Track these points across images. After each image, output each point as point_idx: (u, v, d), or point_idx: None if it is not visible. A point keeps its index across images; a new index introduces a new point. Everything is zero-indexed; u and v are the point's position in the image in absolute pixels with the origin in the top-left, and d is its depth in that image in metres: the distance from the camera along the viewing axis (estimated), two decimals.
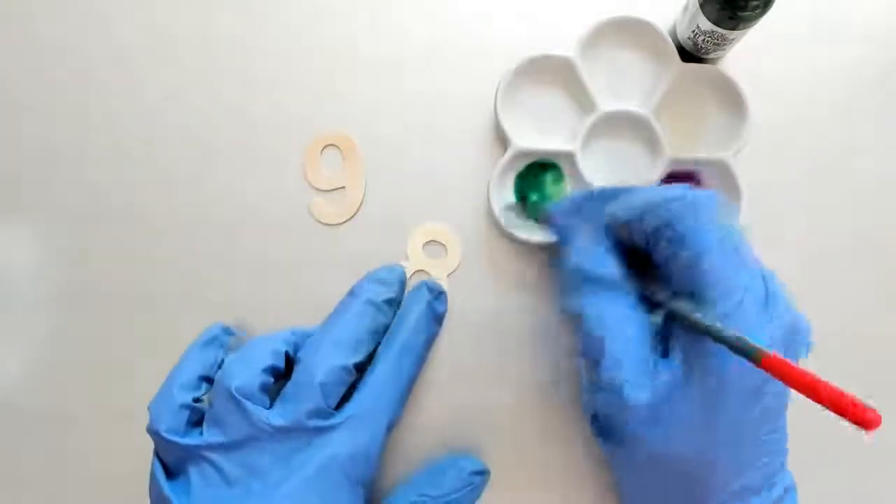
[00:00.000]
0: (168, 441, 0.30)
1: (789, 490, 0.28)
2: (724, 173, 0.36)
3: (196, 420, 0.31)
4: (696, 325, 0.25)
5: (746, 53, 0.37)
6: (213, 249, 0.37)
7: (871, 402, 0.18)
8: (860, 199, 0.37)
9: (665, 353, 0.27)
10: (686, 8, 0.34)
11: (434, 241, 0.37)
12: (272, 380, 0.32)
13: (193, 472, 0.30)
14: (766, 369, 0.22)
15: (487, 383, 0.36)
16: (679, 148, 0.36)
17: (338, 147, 0.37)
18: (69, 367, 0.37)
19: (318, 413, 0.30)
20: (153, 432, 0.30)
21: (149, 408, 0.31)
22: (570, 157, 0.36)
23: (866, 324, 0.37)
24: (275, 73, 0.38)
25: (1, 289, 0.37)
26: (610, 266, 0.27)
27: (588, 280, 0.28)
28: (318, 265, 0.37)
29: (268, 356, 0.31)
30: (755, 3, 0.30)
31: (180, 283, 0.37)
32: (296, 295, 0.36)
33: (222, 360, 0.33)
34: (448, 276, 0.36)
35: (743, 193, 0.35)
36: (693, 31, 0.34)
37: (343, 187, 0.37)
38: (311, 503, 0.29)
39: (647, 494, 0.29)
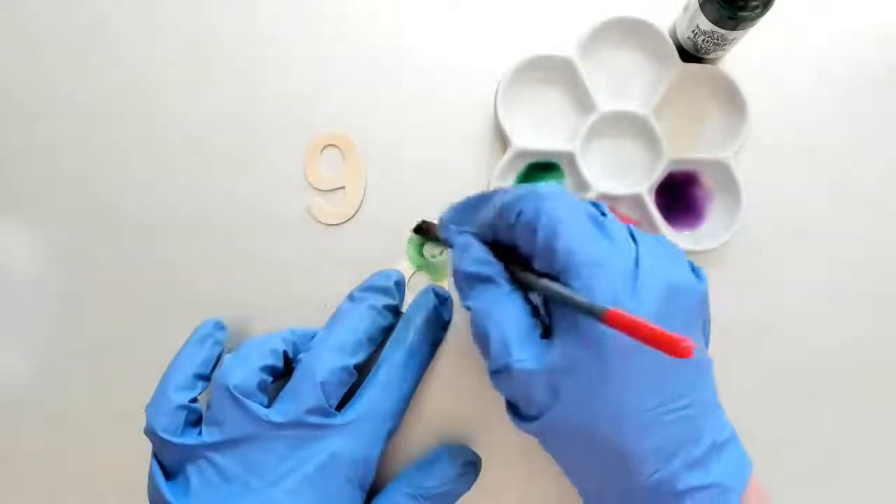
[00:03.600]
0: (166, 441, 0.30)
1: (726, 443, 0.28)
2: (724, 173, 0.36)
3: (193, 420, 0.31)
4: (554, 296, 0.27)
5: (746, 53, 0.37)
6: (213, 249, 0.37)
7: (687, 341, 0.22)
8: (860, 199, 0.37)
9: (549, 334, 0.28)
10: (686, 8, 0.34)
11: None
12: (270, 379, 0.32)
13: (192, 471, 0.30)
14: (610, 324, 0.24)
15: (485, 382, 0.36)
16: (679, 148, 0.36)
17: (338, 147, 0.37)
18: (69, 368, 0.37)
19: (320, 411, 0.30)
20: (150, 433, 0.30)
21: (146, 410, 0.31)
22: (570, 157, 0.36)
23: (866, 323, 0.37)
24: (275, 73, 0.38)
25: (1, 289, 0.37)
26: (484, 263, 0.29)
27: (468, 279, 0.29)
28: (318, 265, 0.37)
29: (266, 355, 0.31)
30: (755, 3, 0.30)
31: (180, 283, 0.37)
32: (296, 295, 0.36)
33: (217, 357, 0.33)
34: (447, 276, 0.36)
35: (743, 193, 0.35)
36: (693, 31, 0.34)
37: (343, 187, 0.37)
38: (310, 501, 0.29)
39: (578, 465, 0.29)
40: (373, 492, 0.33)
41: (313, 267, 0.37)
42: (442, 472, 0.33)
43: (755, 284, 0.37)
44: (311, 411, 0.30)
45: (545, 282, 0.27)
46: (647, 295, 0.26)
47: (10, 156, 0.38)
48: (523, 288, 0.29)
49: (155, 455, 0.31)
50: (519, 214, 0.28)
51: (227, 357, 0.32)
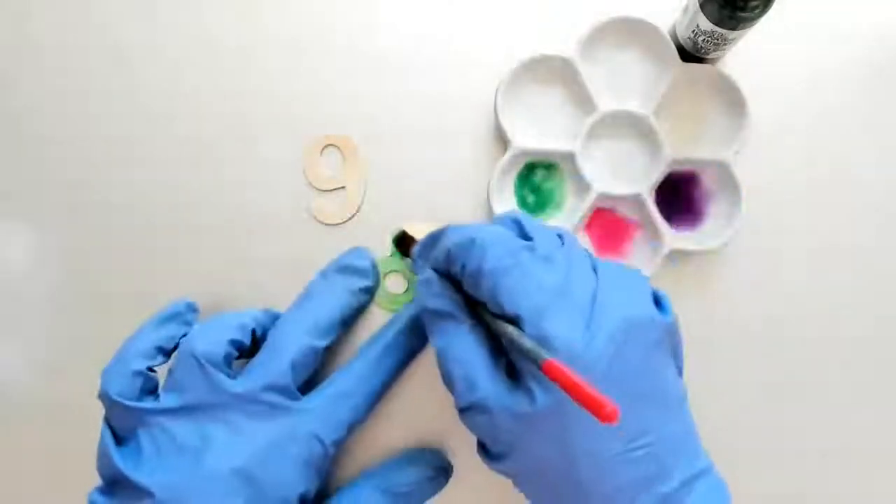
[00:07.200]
0: (119, 404, 0.29)
1: (698, 476, 0.27)
2: (724, 173, 0.36)
3: (149, 389, 0.30)
4: (505, 339, 0.26)
5: (746, 53, 0.37)
6: (213, 249, 0.37)
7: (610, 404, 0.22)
8: (860, 199, 0.37)
9: (513, 373, 0.27)
10: (686, 8, 0.34)
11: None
12: (236, 353, 0.31)
13: (144, 437, 0.29)
14: (547, 375, 0.23)
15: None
16: (679, 148, 0.36)
17: (338, 147, 0.37)
18: (68, 367, 0.37)
19: (284, 391, 0.30)
20: (104, 396, 0.29)
21: (102, 373, 0.30)
22: (570, 157, 0.36)
23: (866, 323, 0.37)
24: (275, 73, 0.38)
25: (0, 288, 0.37)
26: (442, 297, 0.29)
27: (430, 315, 0.29)
28: (319, 265, 0.36)
29: (234, 329, 0.31)
30: (755, 3, 0.30)
31: (180, 283, 0.37)
32: (296, 294, 0.36)
33: (182, 336, 0.32)
34: None
35: (743, 193, 0.35)
36: (693, 31, 0.34)
37: (343, 187, 0.37)
38: (257, 477, 0.29)
39: (546, 500, 0.28)
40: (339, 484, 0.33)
41: (313, 267, 0.37)
42: (414, 471, 0.33)
43: (755, 284, 0.37)
44: (275, 389, 0.30)
45: (499, 324, 0.27)
46: (599, 333, 0.25)
47: (10, 155, 0.38)
48: (486, 324, 0.29)
49: (106, 420, 0.30)
50: (463, 267, 0.27)
51: (195, 326, 0.31)
